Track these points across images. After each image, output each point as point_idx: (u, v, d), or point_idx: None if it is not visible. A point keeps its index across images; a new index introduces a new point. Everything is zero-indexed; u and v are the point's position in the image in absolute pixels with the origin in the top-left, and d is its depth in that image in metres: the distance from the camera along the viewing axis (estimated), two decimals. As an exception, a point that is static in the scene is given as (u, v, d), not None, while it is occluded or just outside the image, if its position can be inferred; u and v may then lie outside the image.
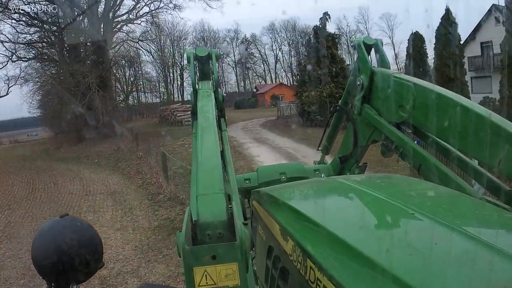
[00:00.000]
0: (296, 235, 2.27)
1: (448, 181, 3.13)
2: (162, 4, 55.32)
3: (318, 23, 41.56)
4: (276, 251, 2.60)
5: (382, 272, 1.64)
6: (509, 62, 20.49)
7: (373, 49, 4.27)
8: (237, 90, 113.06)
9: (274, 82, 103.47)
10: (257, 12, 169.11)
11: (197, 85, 4.43)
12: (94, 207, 20.20)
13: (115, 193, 23.05)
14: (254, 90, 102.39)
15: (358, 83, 4.13)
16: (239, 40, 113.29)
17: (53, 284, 2.40)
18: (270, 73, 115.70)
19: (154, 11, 56.37)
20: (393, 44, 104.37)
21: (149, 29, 60.83)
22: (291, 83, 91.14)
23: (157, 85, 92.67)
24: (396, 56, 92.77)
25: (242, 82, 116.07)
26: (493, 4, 41.53)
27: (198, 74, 4.75)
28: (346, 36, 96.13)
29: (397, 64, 76.32)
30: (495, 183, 2.89)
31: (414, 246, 1.87)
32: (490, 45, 41.71)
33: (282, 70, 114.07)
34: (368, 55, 4.19)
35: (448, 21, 27.33)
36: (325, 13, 41.17)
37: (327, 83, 38.60)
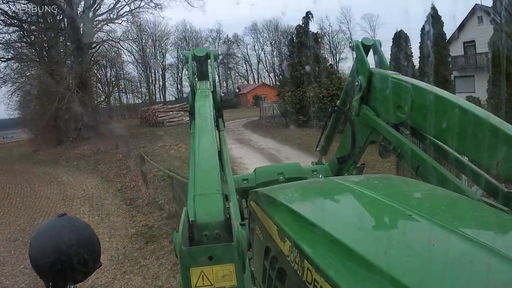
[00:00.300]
0: (293, 236, 2.25)
1: (446, 183, 3.14)
2: (142, 3, 54.25)
3: (300, 23, 40.98)
4: (274, 252, 2.58)
5: (379, 274, 1.64)
6: (497, 61, 20.37)
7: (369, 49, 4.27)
8: (219, 90, 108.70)
9: (256, 82, 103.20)
10: (239, 12, 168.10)
11: (195, 85, 4.42)
12: (70, 213, 18.80)
13: (92, 197, 22.31)
14: (237, 90, 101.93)
15: (356, 84, 4.10)
16: (221, 40, 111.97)
17: (50, 283, 2.38)
18: (253, 73, 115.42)
19: (134, 10, 55.32)
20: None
21: (130, 28, 59.78)
22: (274, 83, 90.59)
23: (139, 85, 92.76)
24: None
25: (225, 82, 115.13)
26: (476, 4, 41.64)
27: (196, 74, 4.71)
28: (329, 36, 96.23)
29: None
30: (493, 184, 2.89)
31: (412, 247, 1.87)
32: (473, 44, 41.83)
33: (264, 70, 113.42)
34: (366, 56, 4.19)
35: (434, 19, 26.89)
36: (308, 12, 40.61)
37: (310, 83, 38.06)
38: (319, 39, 41.88)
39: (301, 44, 39.33)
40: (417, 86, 3.42)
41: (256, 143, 31.35)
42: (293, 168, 5.00)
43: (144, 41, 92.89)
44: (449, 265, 1.67)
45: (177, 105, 59.00)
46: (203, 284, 1.91)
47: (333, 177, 4.30)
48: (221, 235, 1.97)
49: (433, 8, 27.14)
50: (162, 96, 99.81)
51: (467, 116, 2.90)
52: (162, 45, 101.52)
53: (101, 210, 19.46)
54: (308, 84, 37.58)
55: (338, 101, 4.81)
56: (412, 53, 28.07)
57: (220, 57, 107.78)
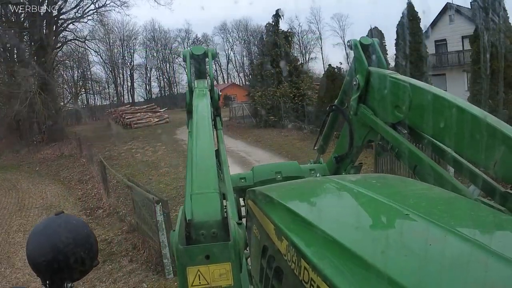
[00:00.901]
0: (290, 235, 2.26)
1: (443, 182, 3.16)
2: (108, 1, 52.40)
3: (271, 21, 39.75)
4: (271, 251, 2.59)
5: (376, 273, 1.64)
6: (477, 58, 19.90)
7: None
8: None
9: (226, 82, 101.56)
10: (208, 12, 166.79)
11: (192, 84, 4.44)
12: (26, 226, 17.61)
13: (51, 207, 20.51)
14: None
15: (354, 83, 4.13)
16: (190, 40, 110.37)
17: (48, 282, 2.36)
18: (222, 73, 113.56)
19: (100, 9, 53.38)
20: (344, 44, 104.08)
21: (96, 27, 57.90)
22: (244, 83, 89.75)
23: (107, 86, 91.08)
24: (347, 56, 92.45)
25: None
26: (448, 2, 41.62)
27: (194, 72, 4.76)
28: (299, 36, 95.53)
29: (348, 64, 75.95)
30: (490, 184, 2.93)
31: (409, 247, 1.89)
32: (445, 43, 41.71)
33: (234, 70, 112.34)
34: (365, 55, 4.14)
35: (410, 16, 25.98)
36: (278, 11, 39.47)
37: (281, 82, 36.98)
38: (290, 38, 40.74)
39: (271, 43, 38.13)
40: (415, 86, 3.42)
41: (226, 145, 29.35)
42: (290, 167, 5.03)
43: (111, 41, 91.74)
44: (445, 264, 1.66)
45: (145, 106, 57.65)
46: (200, 283, 1.91)
47: (331, 176, 4.33)
48: (218, 234, 1.97)
49: (409, 4, 26.15)
50: (130, 97, 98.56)
51: (465, 116, 2.91)
52: (130, 45, 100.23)
53: (58, 222, 17.82)
54: (278, 83, 36.51)
55: (336, 100, 4.79)
56: (387, 50, 27.16)
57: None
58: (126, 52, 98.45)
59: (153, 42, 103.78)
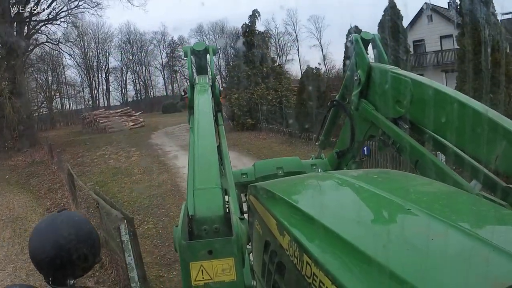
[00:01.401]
0: (292, 230, 2.28)
1: (445, 177, 3.15)
2: (81, 2, 50.91)
3: (247, 22, 38.69)
4: (273, 246, 2.59)
5: (378, 267, 1.66)
6: (463, 57, 19.33)
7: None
8: (165, 93, 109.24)
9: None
10: (185, 14, 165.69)
11: (194, 79, 4.54)
12: None
13: (17, 219, 19.31)
14: (182, 93, 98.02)
15: (356, 78, 4.19)
16: (166, 43, 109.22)
17: (50, 278, 2.41)
18: None
19: (72, 10, 51.80)
20: (321, 45, 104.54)
21: (70, 30, 56.43)
22: (221, 86, 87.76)
23: (81, 90, 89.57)
24: (324, 57, 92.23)
25: (170, 85, 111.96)
26: (426, 3, 41.68)
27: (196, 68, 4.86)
28: (275, 38, 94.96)
29: (325, 65, 75.89)
30: (491, 179, 2.94)
31: (411, 241, 1.89)
32: (423, 43, 41.63)
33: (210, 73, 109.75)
34: (366, 50, 4.20)
35: (393, 14, 25.15)
36: (255, 11, 38.36)
37: (258, 84, 35.87)
38: (267, 39, 39.75)
39: (248, 44, 37.03)
40: (416, 81, 3.47)
41: (202, 150, 28.80)
42: (292, 162, 5.06)
43: (86, 43, 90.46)
44: (447, 259, 1.67)
45: (119, 110, 56.51)
46: (203, 278, 1.92)
47: (332, 171, 4.44)
48: (220, 229, 1.99)
49: (391, 2, 25.31)
50: (106, 101, 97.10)
51: (466, 110, 2.93)
52: (106, 47, 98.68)
53: (23, 237, 16.35)
54: (255, 85, 35.44)
55: (337, 95, 4.86)
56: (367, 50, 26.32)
57: (165, 60, 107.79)
58: (101, 55, 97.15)
59: (129, 45, 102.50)
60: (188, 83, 4.59)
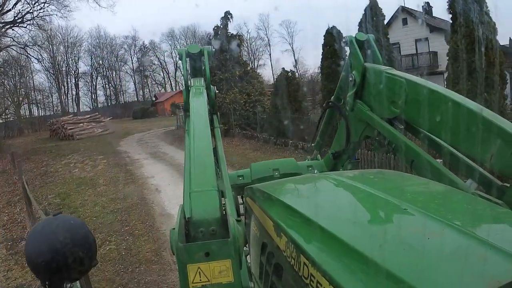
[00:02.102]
0: (289, 231, 2.27)
1: (440, 177, 3.15)
2: (47, 5, 48.99)
3: (219, 24, 37.08)
4: (270, 248, 2.59)
5: (375, 268, 1.65)
6: (456, 55, 18.40)
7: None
8: (136, 99, 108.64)
9: (174, 90, 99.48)
10: (156, 18, 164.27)
11: (189, 82, 4.52)
12: None
13: (-31, 238, 17.49)
14: (154, 98, 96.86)
15: (350, 79, 4.16)
16: (137, 48, 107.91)
17: (47, 282, 2.36)
18: (170, 81, 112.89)
19: (39, 11, 49.78)
20: (293, 50, 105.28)
21: (37, 33, 54.46)
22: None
23: (50, 95, 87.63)
24: (296, 62, 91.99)
25: (141, 90, 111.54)
26: (401, 5, 40.76)
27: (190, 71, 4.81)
28: (247, 42, 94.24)
29: (297, 71, 75.17)
30: (487, 178, 2.95)
31: (407, 241, 1.88)
32: (398, 46, 40.16)
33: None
34: (361, 51, 4.16)
35: (374, 13, 23.85)
36: (227, 12, 36.76)
37: (230, 88, 34.21)
38: (239, 42, 38.22)
39: (220, 46, 35.42)
40: (410, 81, 3.45)
41: (172, 158, 27.41)
42: (288, 163, 4.99)
43: (55, 47, 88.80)
44: (444, 258, 1.66)
45: (88, 116, 54.33)
46: (200, 280, 1.92)
47: (328, 173, 4.54)
48: (217, 231, 1.99)
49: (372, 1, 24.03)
50: (76, 107, 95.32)
51: (461, 110, 2.93)
52: (75, 52, 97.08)
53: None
54: (228, 89, 33.84)
55: (332, 97, 4.84)
56: (346, 52, 24.97)
57: (136, 64, 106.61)
58: (70, 59, 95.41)
59: (99, 49, 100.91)
60: (184, 86, 4.54)
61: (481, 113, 2.81)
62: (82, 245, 2.38)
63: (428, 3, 41.91)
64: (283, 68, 29.08)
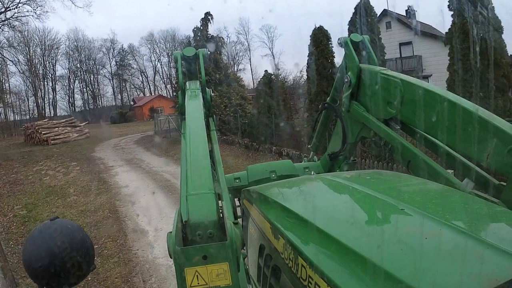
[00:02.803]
0: (287, 233, 2.27)
1: (437, 176, 3.16)
2: (20, 5, 47.30)
3: (199, 25, 35.43)
4: (268, 250, 2.59)
5: (373, 268, 1.66)
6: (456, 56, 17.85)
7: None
8: (114, 103, 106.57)
9: (153, 94, 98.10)
10: (135, 22, 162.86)
11: (184, 85, 4.48)
12: None
13: None
14: (132, 103, 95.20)
15: (346, 80, 4.16)
16: (115, 51, 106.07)
17: (44, 287, 2.37)
18: (149, 85, 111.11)
19: (11, 10, 48.05)
20: (273, 55, 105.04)
21: (12, 35, 52.78)
22: (171, 95, 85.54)
23: (26, 99, 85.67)
24: (276, 66, 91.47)
25: (119, 95, 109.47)
26: (384, 9, 39.91)
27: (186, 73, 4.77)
28: (227, 46, 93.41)
29: (279, 75, 74.95)
30: (483, 177, 2.96)
31: (405, 241, 1.88)
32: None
33: (161, 82, 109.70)
34: (355, 53, 4.17)
35: (367, 11, 22.50)
36: (207, 13, 35.13)
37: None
38: (220, 43, 36.64)
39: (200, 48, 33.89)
40: (406, 81, 3.45)
41: (149, 165, 25.86)
42: (285, 165, 4.95)
43: (32, 49, 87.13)
44: (442, 258, 1.66)
45: (63, 120, 52.43)
46: (198, 283, 1.90)
47: (325, 174, 4.44)
48: (214, 234, 1.95)
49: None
50: (53, 110, 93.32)
51: (456, 109, 2.94)
52: (52, 54, 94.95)
53: None
54: (207, 93, 32.37)
55: (328, 98, 4.84)
56: (334, 52, 23.66)
57: (114, 68, 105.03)
58: (47, 62, 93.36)
59: (77, 52, 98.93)
60: (179, 89, 4.54)
61: (476, 112, 2.80)
62: (79, 249, 2.34)
63: (411, 6, 41.19)
64: (266, 71, 27.46)
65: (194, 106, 3.70)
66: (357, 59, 4.08)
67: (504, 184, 2.75)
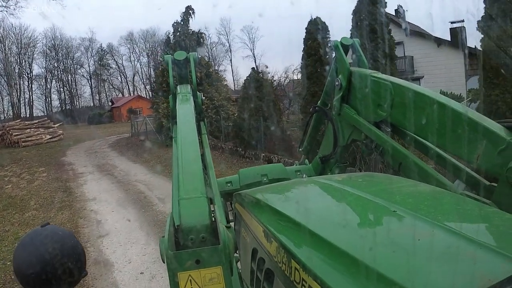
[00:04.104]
0: (279, 236, 2.24)
1: (428, 178, 3.19)
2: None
3: (179, 20, 32.46)
4: (261, 253, 2.56)
5: (366, 270, 1.66)
6: (484, 64, 16.82)
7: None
8: (92, 103, 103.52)
9: (132, 95, 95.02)
10: (115, 21, 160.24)
11: (175, 89, 4.49)
12: None
13: None
14: (110, 103, 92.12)
15: (337, 83, 4.16)
16: (94, 50, 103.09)
17: None
18: (128, 86, 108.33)
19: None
20: (254, 56, 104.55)
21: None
22: (150, 96, 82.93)
23: (0, 99, 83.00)
24: (257, 68, 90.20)
25: (98, 95, 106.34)
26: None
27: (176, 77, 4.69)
28: (208, 47, 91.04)
29: (266, 74, 73.92)
30: (474, 178, 2.97)
31: (397, 243, 1.87)
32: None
33: (140, 82, 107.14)
34: (346, 56, 4.16)
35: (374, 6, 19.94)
36: (188, 7, 32.14)
37: (190, 91, 29.50)
38: (201, 40, 33.70)
39: (179, 44, 30.84)
40: (396, 84, 3.45)
41: (122, 172, 22.99)
42: (276, 169, 4.92)
43: (7, 47, 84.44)
44: (434, 259, 1.64)
45: (36, 121, 49.51)
46: None
47: (317, 177, 4.37)
48: (207, 238, 1.93)
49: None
50: (29, 110, 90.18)
51: (446, 111, 2.95)
52: (29, 53, 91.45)
53: None
54: (187, 92, 29.46)
55: (319, 102, 4.81)
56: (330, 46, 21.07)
57: (92, 68, 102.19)
58: (23, 60, 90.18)
59: (54, 51, 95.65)
60: (171, 93, 4.48)
61: (466, 114, 2.81)
62: (71, 255, 2.27)
63: (401, 6, 39.28)
64: (253, 68, 24.64)
65: (185, 110, 3.63)
66: (347, 62, 4.06)
67: (495, 185, 2.73)
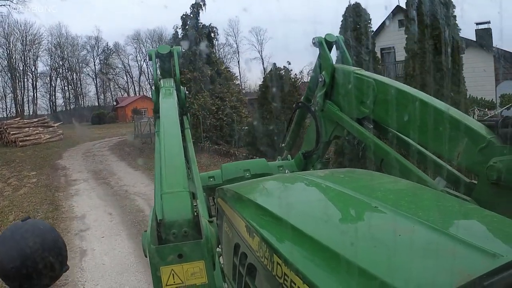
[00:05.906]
0: (261, 231, 2.25)
1: (409, 175, 3.15)
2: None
3: (188, 12, 29.07)
4: (243, 248, 2.56)
5: (348, 265, 1.65)
6: None
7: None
8: (97, 103, 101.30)
9: (137, 95, 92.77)
10: (121, 20, 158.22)
11: (159, 83, 4.35)
12: None
13: None
14: (114, 103, 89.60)
15: (320, 79, 4.16)
16: (100, 49, 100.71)
17: None
18: (134, 86, 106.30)
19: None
20: (262, 58, 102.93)
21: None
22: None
23: (3, 96, 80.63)
24: (265, 70, 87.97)
25: (103, 94, 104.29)
26: (398, 5, 34.05)
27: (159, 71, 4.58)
28: (215, 48, 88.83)
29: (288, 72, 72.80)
30: (455, 175, 2.99)
31: (378, 238, 1.87)
32: (393, 51, 35.94)
33: (146, 82, 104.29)
34: (330, 52, 4.19)
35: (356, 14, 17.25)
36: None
37: (199, 91, 26.57)
38: (213, 35, 30.34)
39: (188, 39, 27.53)
40: (379, 81, 3.46)
41: (119, 181, 19.82)
42: (259, 164, 4.83)
43: (12, 44, 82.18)
44: (415, 254, 1.66)
45: (35, 119, 46.96)
46: (174, 282, 1.85)
47: (299, 172, 4.36)
48: (189, 232, 1.92)
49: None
50: (33, 108, 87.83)
51: (428, 109, 2.95)
52: (34, 50, 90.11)
53: None
54: (197, 92, 25.93)
55: (302, 97, 4.85)
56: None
57: (98, 67, 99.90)
58: (28, 58, 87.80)
59: (59, 49, 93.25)
60: (154, 87, 4.38)
61: (448, 112, 2.82)
62: (52, 249, 2.27)
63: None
64: (275, 64, 21.56)
65: (168, 104, 3.60)
66: (331, 59, 4.05)
67: (475, 182, 2.78)
